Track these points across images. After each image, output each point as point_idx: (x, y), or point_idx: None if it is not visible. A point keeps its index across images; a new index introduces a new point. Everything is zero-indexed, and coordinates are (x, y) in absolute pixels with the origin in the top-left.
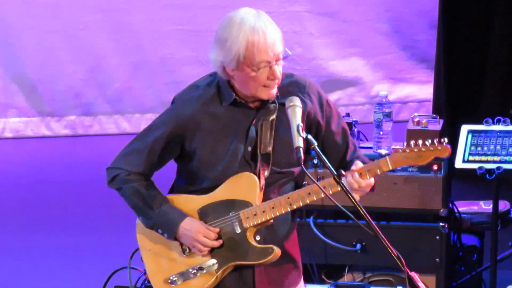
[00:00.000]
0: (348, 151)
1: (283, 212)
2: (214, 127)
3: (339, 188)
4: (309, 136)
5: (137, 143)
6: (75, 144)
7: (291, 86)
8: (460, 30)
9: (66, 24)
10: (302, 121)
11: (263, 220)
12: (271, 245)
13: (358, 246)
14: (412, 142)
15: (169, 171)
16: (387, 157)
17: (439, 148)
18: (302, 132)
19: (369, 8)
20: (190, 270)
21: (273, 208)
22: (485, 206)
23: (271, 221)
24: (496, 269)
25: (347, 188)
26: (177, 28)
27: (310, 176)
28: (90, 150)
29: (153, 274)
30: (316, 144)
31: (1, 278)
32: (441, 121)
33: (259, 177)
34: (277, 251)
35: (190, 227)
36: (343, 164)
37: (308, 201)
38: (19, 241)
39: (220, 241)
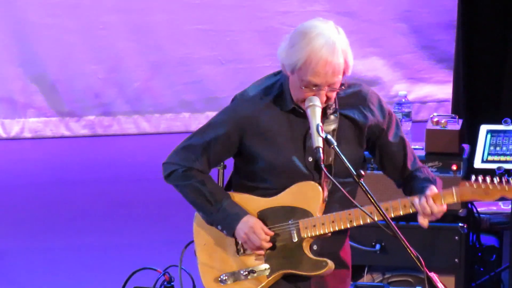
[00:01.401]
0: (407, 161)
1: (342, 227)
2: (273, 130)
3: (401, 213)
4: (329, 136)
5: (195, 139)
6: (94, 144)
7: (353, 98)
8: (479, 29)
9: (85, 24)
10: (363, 132)
11: (321, 232)
12: (325, 259)
13: (378, 246)
14: (480, 178)
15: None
16: (453, 188)
17: (507, 188)
18: (322, 132)
19: (388, 7)
20: (242, 272)
21: (333, 222)
22: (504, 207)
23: (329, 234)
24: None
25: (367, 188)
26: (196, 27)
27: (333, 179)
28: (109, 150)
29: (205, 270)
30: (335, 144)
31: (20, 278)
32: (460, 121)
33: (322, 189)
34: (331, 265)
35: (247, 222)
36: (404, 173)
37: (369, 221)
38: (38, 241)
39: (270, 244)
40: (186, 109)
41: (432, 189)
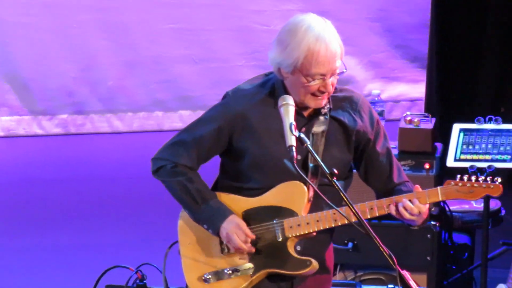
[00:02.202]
0: (393, 173)
1: (327, 227)
2: (264, 127)
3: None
4: (302, 135)
5: (185, 135)
6: (67, 143)
7: (344, 102)
8: (452, 29)
9: (58, 23)
10: (351, 136)
11: (306, 232)
12: (309, 258)
13: (350, 244)
14: (465, 177)
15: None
16: (438, 188)
17: (491, 186)
18: (295, 131)
19: (361, 6)
20: (226, 271)
21: (317, 221)
22: (476, 205)
23: (314, 233)
24: (487, 267)
25: (339, 187)
26: (170, 26)
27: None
28: (82, 148)
29: (189, 269)
30: (308, 142)
31: None
32: (433, 119)
33: (308, 188)
34: (315, 264)
35: (231, 222)
36: (389, 185)
37: (353, 220)
38: (10, 239)
39: (252, 248)
40: (159, 108)
41: (417, 188)
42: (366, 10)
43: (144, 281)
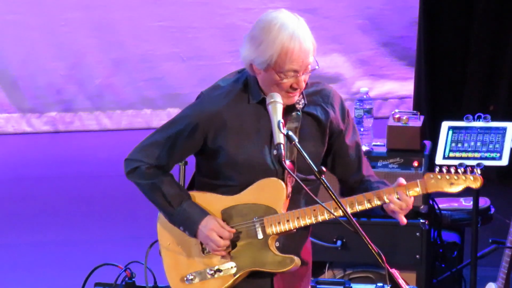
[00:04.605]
0: (362, 165)
1: (308, 223)
2: (239, 124)
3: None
4: (290, 133)
5: (158, 135)
6: (56, 141)
7: (316, 96)
8: (440, 27)
9: (47, 20)
10: (325, 129)
11: (287, 229)
12: (291, 256)
13: (339, 242)
14: (444, 169)
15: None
16: (418, 180)
17: (471, 178)
18: (283, 129)
19: (349, 4)
20: (208, 271)
21: (297, 218)
22: (466, 203)
23: (294, 230)
24: (477, 266)
25: (328, 184)
26: (158, 24)
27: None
28: (70, 146)
29: (170, 270)
30: (296, 140)
31: None
32: (422, 117)
33: (286, 185)
34: (297, 261)
35: (206, 224)
36: (358, 177)
37: (335, 215)
38: None
39: (229, 250)
40: (147, 106)
41: (399, 181)
42: (354, 8)
43: (133, 279)
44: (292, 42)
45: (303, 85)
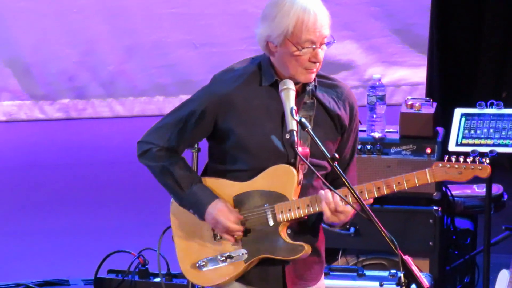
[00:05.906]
0: (350, 166)
1: (318, 210)
2: (249, 107)
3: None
4: (303, 119)
5: (170, 117)
6: (69, 128)
7: (331, 88)
8: (453, 13)
9: (59, 7)
10: (335, 124)
11: (297, 216)
12: (302, 243)
13: (352, 229)
14: (453, 158)
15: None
16: (427, 169)
17: (480, 167)
18: (296, 115)
19: None
20: (219, 257)
21: (308, 205)
22: (479, 190)
23: (305, 217)
24: (490, 253)
25: (341, 171)
26: (170, 11)
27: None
28: (83, 133)
29: (182, 255)
30: (310, 127)
31: None
32: (434, 104)
33: (297, 171)
34: (308, 249)
35: (215, 207)
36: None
37: (349, 202)
38: (12, 224)
39: (242, 228)
40: (160, 93)
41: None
42: None
43: (146, 266)
44: (307, 13)
45: (321, 58)
